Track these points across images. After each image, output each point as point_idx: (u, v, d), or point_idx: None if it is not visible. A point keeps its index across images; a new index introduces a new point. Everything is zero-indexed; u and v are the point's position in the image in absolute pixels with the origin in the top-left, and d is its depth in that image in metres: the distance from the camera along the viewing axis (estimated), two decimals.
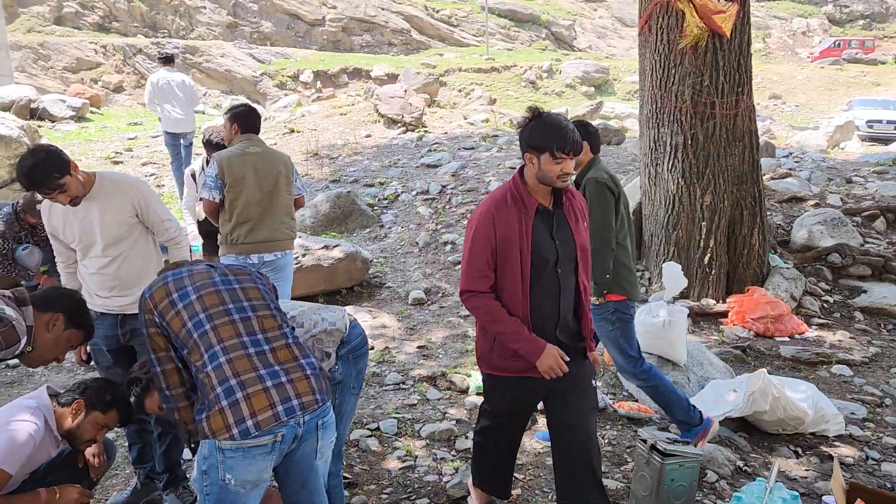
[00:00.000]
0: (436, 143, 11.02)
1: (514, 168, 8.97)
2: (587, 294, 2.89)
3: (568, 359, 2.72)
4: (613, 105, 22.11)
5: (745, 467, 3.73)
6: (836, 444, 4.02)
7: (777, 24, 41.78)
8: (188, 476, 3.42)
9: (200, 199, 4.69)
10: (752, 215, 6.13)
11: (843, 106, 23.68)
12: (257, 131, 4.49)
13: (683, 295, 5.85)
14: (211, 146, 5.09)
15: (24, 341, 2.57)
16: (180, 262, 2.70)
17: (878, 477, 3.70)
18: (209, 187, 4.27)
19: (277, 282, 4.35)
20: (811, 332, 5.72)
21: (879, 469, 3.78)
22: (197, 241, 5.48)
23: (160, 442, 3.32)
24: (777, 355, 5.27)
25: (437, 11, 35.11)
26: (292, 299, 5.73)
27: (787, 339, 5.59)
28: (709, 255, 6.05)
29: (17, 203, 5.65)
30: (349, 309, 5.98)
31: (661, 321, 4.39)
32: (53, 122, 12.96)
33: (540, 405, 3.67)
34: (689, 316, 4.90)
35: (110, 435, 3.90)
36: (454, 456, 3.81)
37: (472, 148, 10.52)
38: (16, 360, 3.49)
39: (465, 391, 4.59)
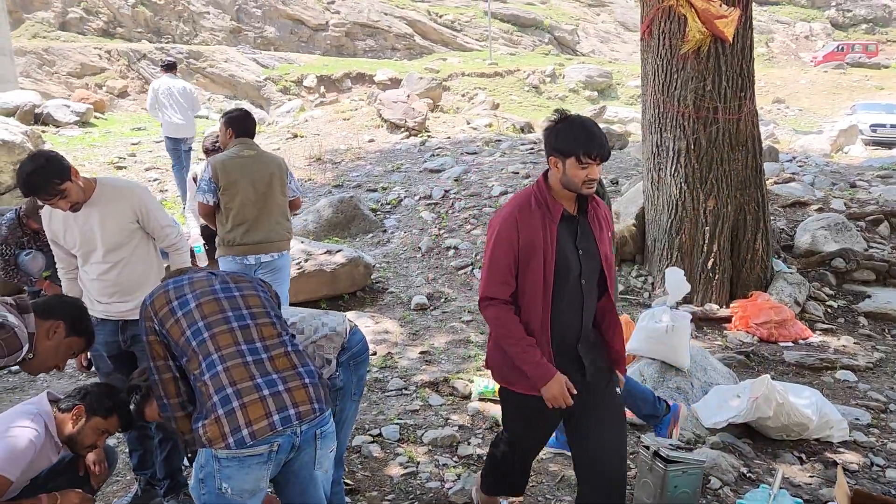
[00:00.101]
0: (439, 148, 11.02)
1: (517, 173, 8.99)
2: (614, 309, 2.77)
3: (575, 391, 2.56)
4: (617, 109, 22.15)
5: (749, 474, 3.70)
6: (841, 450, 4.00)
7: (780, 29, 41.79)
8: (189, 483, 3.41)
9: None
10: (756, 220, 6.12)
11: (847, 110, 23.69)
12: (252, 135, 4.58)
13: (686, 300, 5.83)
14: (209, 152, 5.18)
15: (25, 348, 2.57)
16: (183, 269, 2.70)
17: (882, 483, 3.68)
18: (203, 190, 4.39)
19: (275, 283, 4.42)
20: (815, 338, 5.69)
21: (884, 475, 3.75)
22: (199, 243, 5.52)
23: (161, 448, 3.31)
24: (781, 361, 5.25)
25: (441, 16, 35.21)
26: (294, 305, 5.76)
27: (790, 344, 5.56)
28: (712, 259, 6.03)
29: (20, 208, 5.67)
30: (351, 314, 5.97)
31: (664, 326, 4.37)
32: (58, 127, 13.00)
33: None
34: (692, 321, 4.88)
35: (111, 441, 3.91)
36: (456, 462, 3.79)
37: (476, 153, 10.52)
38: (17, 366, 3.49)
39: (467, 397, 4.57)
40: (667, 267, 5.64)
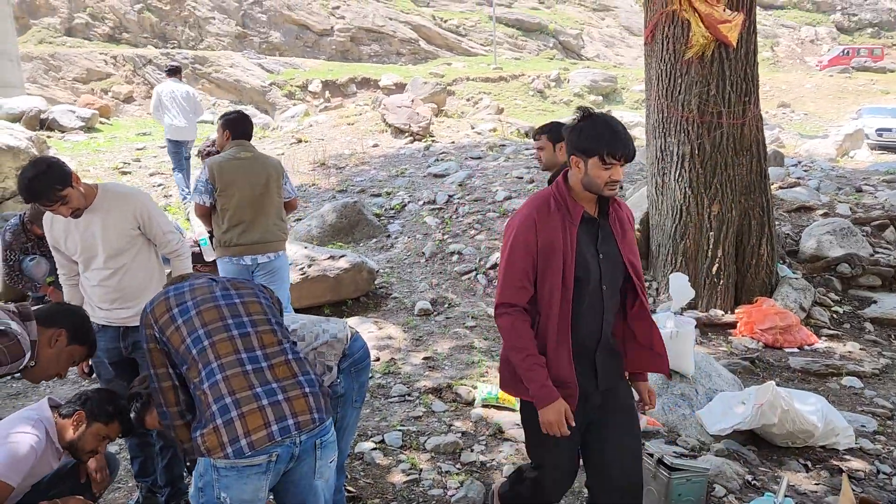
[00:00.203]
0: (443, 153, 11.02)
1: (521, 178, 8.98)
2: (647, 313, 2.65)
3: (574, 424, 2.46)
4: (622, 114, 22.07)
5: (754, 481, 3.67)
6: (847, 457, 3.96)
7: (785, 33, 41.72)
8: (190, 491, 3.41)
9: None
10: (761, 225, 6.09)
11: (853, 114, 23.62)
12: (249, 137, 4.68)
13: (691, 305, 5.80)
14: (206, 156, 5.29)
15: (28, 356, 2.57)
16: (184, 275, 2.69)
17: (888, 492, 3.65)
18: (199, 191, 4.50)
19: (274, 284, 4.54)
20: (821, 344, 5.66)
21: (890, 483, 3.72)
22: (204, 236, 5.58)
23: (162, 456, 3.30)
24: (786, 367, 5.22)
25: (445, 21, 35.25)
26: (298, 310, 5.78)
27: (796, 350, 5.53)
28: (717, 265, 6.00)
29: (25, 214, 5.69)
30: (355, 320, 5.97)
31: (668, 332, 4.34)
32: (63, 132, 13.04)
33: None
34: (696, 327, 4.85)
35: (113, 448, 3.90)
36: (459, 469, 3.77)
37: (480, 157, 10.51)
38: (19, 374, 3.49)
39: (470, 403, 4.56)
40: (671, 272, 5.62)
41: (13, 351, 2.48)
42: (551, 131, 3.92)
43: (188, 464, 2.51)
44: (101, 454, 2.98)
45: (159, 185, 10.14)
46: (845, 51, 36.52)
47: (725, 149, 5.90)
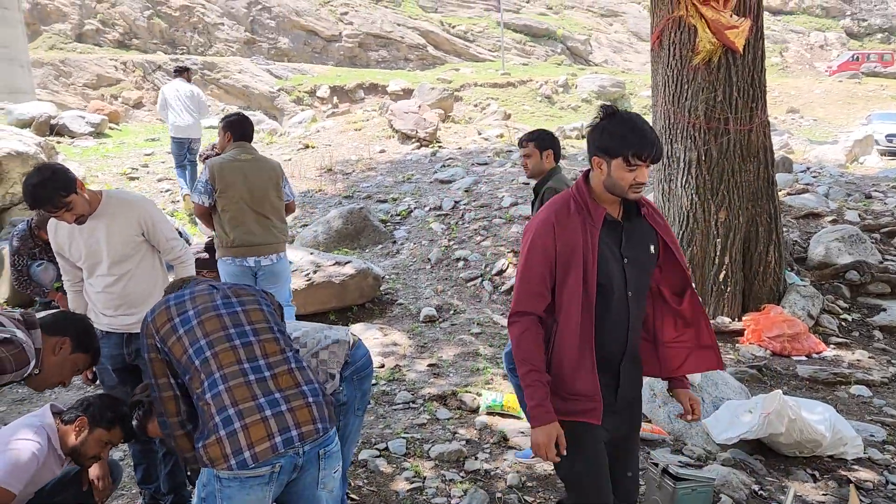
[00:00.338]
0: (450, 159, 11.02)
1: (528, 184, 8.96)
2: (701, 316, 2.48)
3: (565, 453, 2.30)
4: None
5: (761, 491, 3.64)
6: (855, 467, 3.92)
7: (794, 38, 41.59)
8: (193, 499, 3.40)
9: (192, 203, 4.93)
10: (768, 232, 6.05)
11: (862, 120, 23.48)
12: (250, 139, 4.74)
13: None
14: (206, 158, 5.32)
15: (32, 364, 2.58)
16: (186, 278, 2.69)
17: None
18: (199, 192, 4.55)
19: (276, 285, 4.61)
20: (829, 352, 5.62)
21: None
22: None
23: (164, 463, 3.30)
24: (794, 375, 5.17)
25: (453, 27, 35.32)
26: (303, 316, 5.78)
27: (804, 358, 5.49)
28: (724, 272, 5.97)
29: (32, 220, 5.71)
30: (360, 326, 5.96)
31: None
32: (73, 138, 13.10)
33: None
34: None
35: (117, 455, 3.91)
36: (463, 477, 3.75)
37: (486, 163, 10.50)
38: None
39: (475, 411, 4.54)
40: None
41: (18, 359, 2.49)
42: (538, 139, 3.92)
43: (189, 473, 2.50)
44: (104, 460, 2.98)
45: (167, 191, 10.17)
46: (855, 56, 36.34)
47: (732, 155, 5.87)
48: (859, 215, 7.63)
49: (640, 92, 27.35)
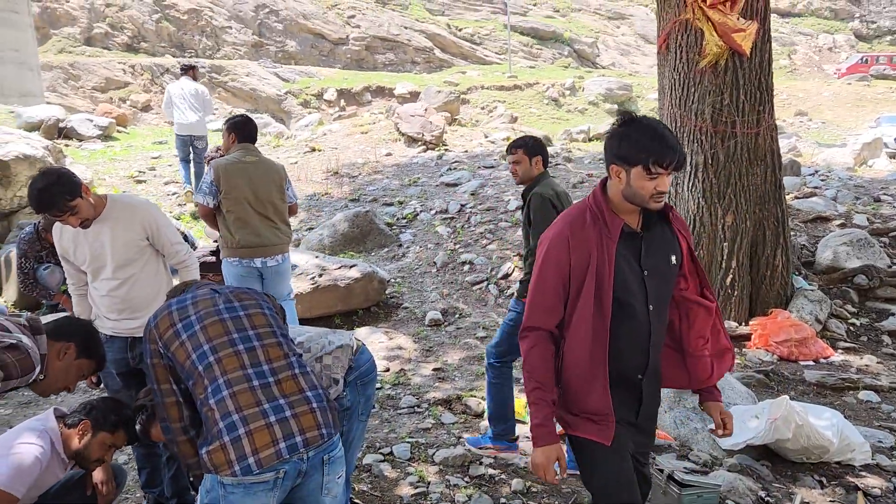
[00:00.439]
0: (456, 162, 11.01)
1: None
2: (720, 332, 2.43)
3: (566, 475, 2.26)
4: None
5: (768, 498, 3.61)
6: (863, 473, 3.88)
7: (803, 41, 41.45)
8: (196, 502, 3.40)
9: (196, 204, 4.97)
10: (776, 236, 6.02)
11: (871, 123, 23.37)
12: (254, 141, 4.78)
13: None
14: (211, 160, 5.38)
15: (38, 369, 2.58)
16: (188, 282, 2.68)
17: None
18: (204, 192, 4.58)
19: (281, 284, 4.72)
20: (837, 357, 5.58)
21: None
22: None
23: (168, 467, 3.30)
24: (801, 380, 5.14)
25: (460, 30, 35.37)
26: (309, 320, 5.79)
27: (811, 363, 5.45)
28: (731, 276, 5.94)
29: (39, 223, 5.72)
30: (365, 330, 5.96)
31: None
32: (81, 141, 13.16)
33: None
34: None
35: (122, 459, 3.91)
36: (467, 483, 3.74)
37: (493, 167, 10.49)
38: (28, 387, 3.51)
39: (480, 415, 4.53)
40: None
41: (23, 364, 2.49)
42: (526, 145, 3.96)
43: (192, 479, 2.49)
44: (108, 465, 2.98)
45: (173, 194, 10.19)
46: (864, 58, 36.19)
47: (739, 159, 5.84)
48: (868, 219, 7.58)
49: (648, 95, 27.29)
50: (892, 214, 7.92)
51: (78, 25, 28.17)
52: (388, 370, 5.25)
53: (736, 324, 5.91)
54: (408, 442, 4.14)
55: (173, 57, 27.52)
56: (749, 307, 6.05)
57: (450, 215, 8.67)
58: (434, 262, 7.57)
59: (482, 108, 23.72)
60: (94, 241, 3.17)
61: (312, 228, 8.67)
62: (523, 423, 4.34)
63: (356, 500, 3.46)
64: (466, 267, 7.37)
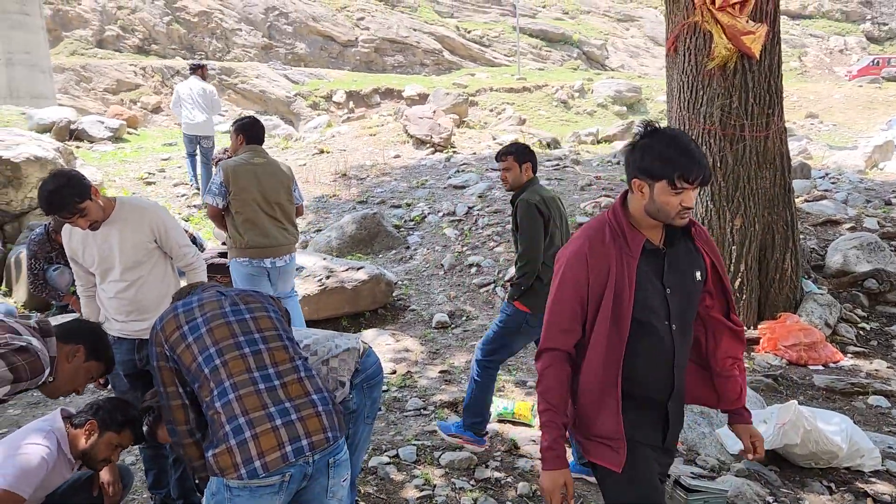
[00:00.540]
0: (464, 164, 11.01)
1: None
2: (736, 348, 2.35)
3: (572, 502, 2.18)
4: None
5: (776, 503, 3.59)
6: (872, 479, 3.85)
7: (813, 43, 41.24)
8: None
9: (205, 205, 5.03)
10: (785, 239, 5.98)
11: (883, 125, 23.19)
12: (261, 142, 4.86)
13: None
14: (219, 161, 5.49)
15: (47, 372, 2.59)
16: (195, 284, 2.69)
17: None
18: (213, 193, 4.63)
19: (288, 283, 4.81)
20: (846, 361, 5.53)
21: None
22: None
23: (175, 468, 3.31)
24: (810, 384, 5.10)
25: (469, 32, 35.39)
26: (316, 322, 5.80)
27: (821, 367, 5.41)
28: (739, 279, 5.90)
29: (49, 224, 5.76)
30: (372, 332, 5.96)
31: None
32: (91, 142, 13.24)
33: None
34: None
35: (129, 460, 3.93)
36: (473, 486, 3.73)
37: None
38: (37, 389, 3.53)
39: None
40: None
41: (33, 367, 2.51)
42: (516, 152, 4.01)
43: (197, 482, 2.50)
44: (115, 465, 3.00)
45: (182, 196, 10.24)
46: (875, 60, 35.96)
47: (748, 162, 5.81)
48: (878, 222, 7.52)
49: (657, 97, 27.21)
50: None
51: (90, 28, 28.35)
52: (394, 372, 5.25)
53: (744, 328, 5.87)
54: (414, 444, 4.13)
55: (184, 59, 27.65)
56: (758, 311, 6.01)
57: (457, 217, 8.67)
58: (441, 265, 7.57)
59: (491, 111, 23.72)
60: (102, 243, 3.19)
61: (320, 230, 8.69)
62: (530, 426, 4.33)
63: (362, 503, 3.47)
64: (474, 269, 7.36)
